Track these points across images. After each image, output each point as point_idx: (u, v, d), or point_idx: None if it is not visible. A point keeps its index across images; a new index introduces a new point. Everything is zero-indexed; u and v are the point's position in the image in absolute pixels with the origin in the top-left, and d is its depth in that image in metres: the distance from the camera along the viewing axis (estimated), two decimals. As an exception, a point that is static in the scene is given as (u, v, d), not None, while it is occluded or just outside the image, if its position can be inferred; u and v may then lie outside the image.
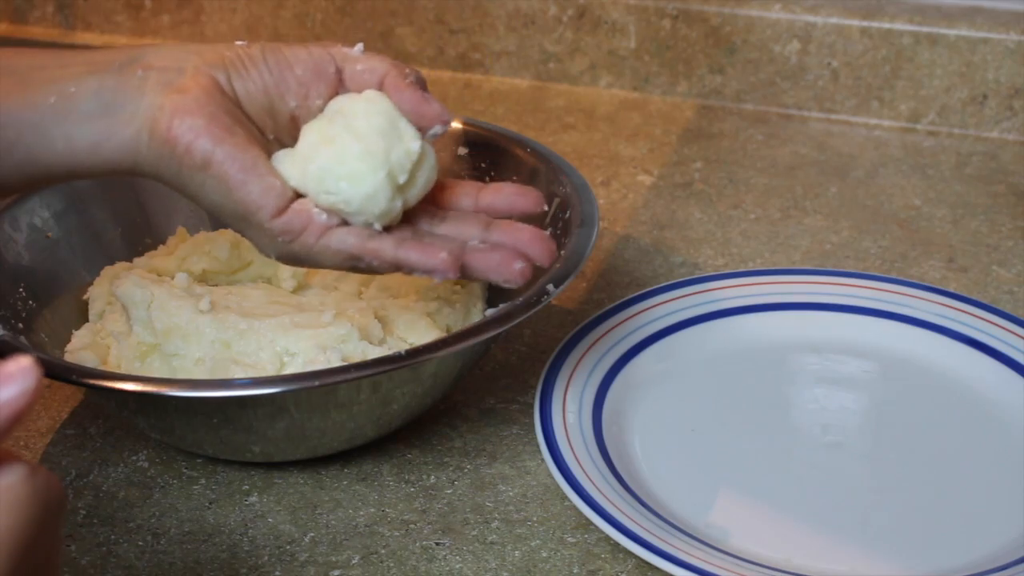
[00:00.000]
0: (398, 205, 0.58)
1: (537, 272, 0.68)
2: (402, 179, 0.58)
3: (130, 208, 0.78)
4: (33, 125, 0.57)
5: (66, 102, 0.57)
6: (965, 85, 1.02)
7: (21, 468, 0.40)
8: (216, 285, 0.73)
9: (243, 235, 0.60)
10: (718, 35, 1.06)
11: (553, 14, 1.10)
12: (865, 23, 1.03)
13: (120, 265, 0.74)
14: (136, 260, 0.75)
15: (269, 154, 0.59)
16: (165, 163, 0.57)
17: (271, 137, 0.60)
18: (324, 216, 0.58)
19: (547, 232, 0.61)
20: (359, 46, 0.61)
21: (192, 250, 0.74)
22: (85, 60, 0.59)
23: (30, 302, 0.70)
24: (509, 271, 0.58)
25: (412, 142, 0.58)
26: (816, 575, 0.59)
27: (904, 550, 0.61)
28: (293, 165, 0.58)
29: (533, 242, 0.60)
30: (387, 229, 0.59)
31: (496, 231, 0.60)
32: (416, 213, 0.61)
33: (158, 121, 0.57)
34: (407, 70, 0.61)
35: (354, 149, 0.57)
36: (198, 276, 0.73)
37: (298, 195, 0.58)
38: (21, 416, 0.40)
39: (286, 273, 0.73)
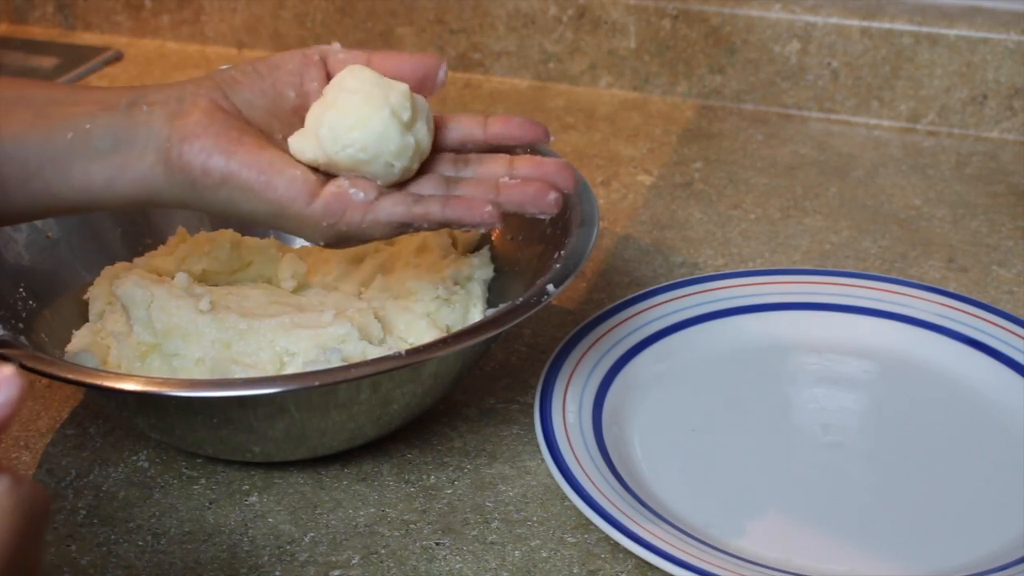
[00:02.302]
0: (410, 141, 0.60)
1: (537, 272, 0.68)
2: (405, 116, 0.60)
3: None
4: (52, 159, 0.59)
5: (82, 138, 0.59)
6: (965, 85, 1.02)
7: (5, 479, 0.40)
8: (216, 285, 0.73)
9: (288, 232, 0.61)
10: (718, 35, 1.07)
11: (553, 14, 1.10)
12: (865, 23, 1.03)
13: (120, 265, 0.74)
14: (136, 260, 0.75)
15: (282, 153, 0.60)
16: (187, 190, 0.59)
17: (280, 137, 0.61)
18: (362, 194, 0.59)
19: (565, 161, 0.63)
20: (336, 44, 0.64)
21: (192, 250, 0.74)
22: (96, 98, 0.61)
23: (30, 302, 0.70)
24: (545, 202, 0.60)
25: (400, 85, 0.60)
26: (816, 575, 0.59)
27: (904, 550, 0.61)
28: (305, 139, 0.60)
29: (559, 172, 0.61)
30: (416, 176, 0.61)
31: (522, 166, 0.62)
32: (436, 160, 0.62)
33: (169, 151, 0.58)
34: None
35: (354, 100, 0.59)
36: (198, 276, 0.73)
37: (327, 177, 0.60)
38: (4, 426, 0.40)
39: (286, 273, 0.73)
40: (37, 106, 0.60)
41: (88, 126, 0.59)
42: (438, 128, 0.63)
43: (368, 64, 0.62)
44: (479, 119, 0.63)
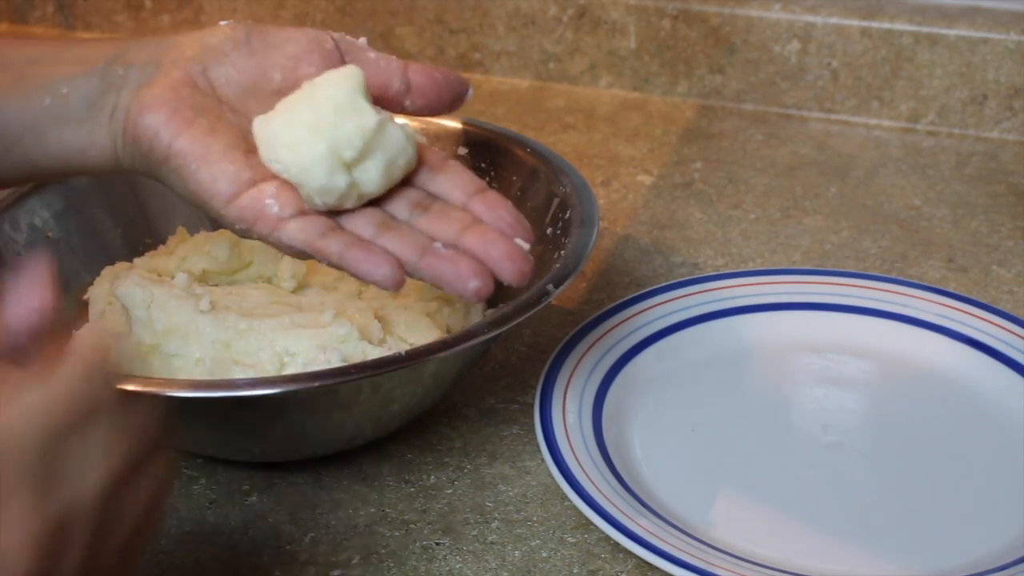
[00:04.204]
0: (340, 183, 0.55)
1: (537, 273, 0.68)
2: (348, 155, 0.55)
3: (130, 208, 0.78)
4: (31, 127, 0.58)
5: (60, 105, 0.58)
6: (965, 85, 1.02)
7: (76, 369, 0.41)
8: (216, 285, 0.73)
9: None
10: (718, 35, 1.07)
11: (553, 14, 1.10)
12: (865, 23, 1.03)
13: (120, 265, 0.74)
14: (136, 260, 0.75)
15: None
16: (139, 160, 0.58)
17: (254, 117, 0.58)
18: (276, 207, 0.56)
19: (526, 249, 0.56)
20: (363, 40, 0.60)
21: (192, 250, 0.74)
22: (76, 57, 0.59)
23: (30, 302, 0.70)
24: (463, 287, 0.54)
25: (369, 118, 0.55)
26: (816, 575, 0.59)
27: (904, 550, 0.61)
28: (260, 128, 0.57)
29: (504, 259, 0.55)
30: (369, 206, 0.57)
31: (471, 235, 0.56)
32: (401, 195, 0.57)
33: (128, 120, 0.57)
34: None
35: (305, 117, 0.55)
36: (198, 276, 0.73)
37: (259, 179, 0.56)
38: (39, 332, 0.41)
39: (286, 273, 0.73)
40: (16, 69, 0.58)
41: (65, 90, 0.58)
42: (426, 169, 0.58)
43: (403, 74, 0.58)
44: (471, 188, 0.58)
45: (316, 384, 0.59)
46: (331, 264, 0.56)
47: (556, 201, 0.72)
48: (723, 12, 1.06)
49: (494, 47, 1.13)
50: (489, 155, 0.77)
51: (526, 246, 0.56)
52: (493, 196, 0.58)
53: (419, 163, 0.58)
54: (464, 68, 1.14)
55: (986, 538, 0.61)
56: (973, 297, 0.78)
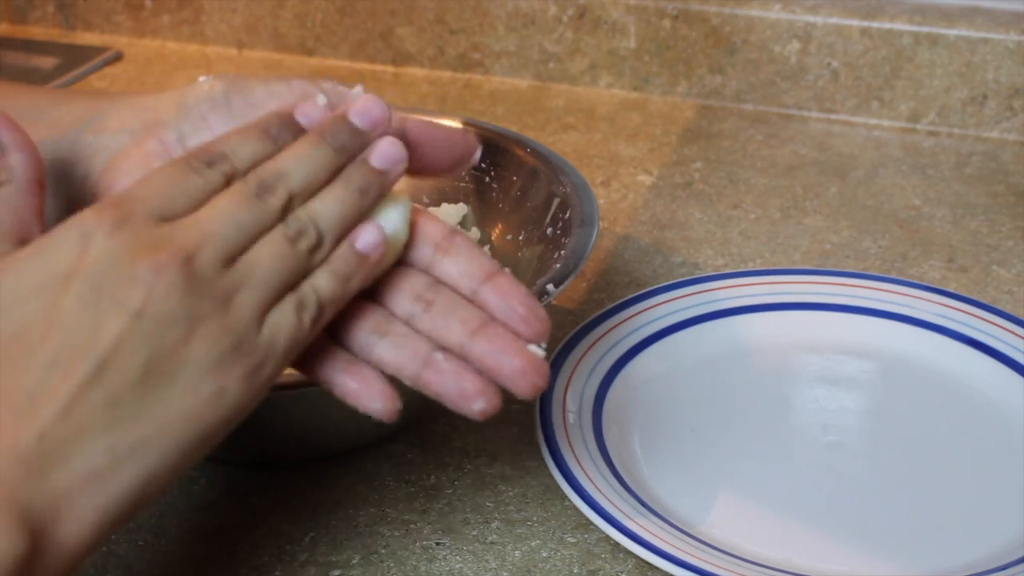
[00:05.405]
0: None
1: (537, 272, 0.68)
2: None
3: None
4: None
5: None
6: (965, 85, 1.02)
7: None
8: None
9: None
10: (718, 35, 1.07)
11: (553, 14, 1.10)
12: (865, 23, 1.03)
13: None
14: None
15: None
16: None
17: None
18: None
19: (542, 354, 0.49)
20: (359, 87, 0.54)
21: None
22: (54, 119, 0.56)
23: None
24: (467, 407, 0.49)
25: None
26: (816, 575, 0.59)
27: (904, 550, 0.61)
28: None
29: (517, 374, 0.49)
30: (367, 297, 0.51)
31: (482, 342, 0.49)
32: (404, 282, 0.51)
33: (95, 196, 0.54)
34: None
35: None
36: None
37: None
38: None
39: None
40: None
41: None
42: (429, 246, 0.51)
43: (401, 126, 0.51)
44: (480, 272, 0.50)
45: (316, 384, 0.59)
46: (316, 382, 0.51)
47: (556, 201, 0.72)
48: (723, 12, 1.06)
49: (494, 47, 1.13)
50: (489, 155, 0.77)
51: (541, 351, 0.50)
52: (505, 283, 0.50)
53: (419, 238, 0.51)
54: (464, 68, 1.14)
55: (986, 538, 0.61)
56: (973, 297, 0.78)
